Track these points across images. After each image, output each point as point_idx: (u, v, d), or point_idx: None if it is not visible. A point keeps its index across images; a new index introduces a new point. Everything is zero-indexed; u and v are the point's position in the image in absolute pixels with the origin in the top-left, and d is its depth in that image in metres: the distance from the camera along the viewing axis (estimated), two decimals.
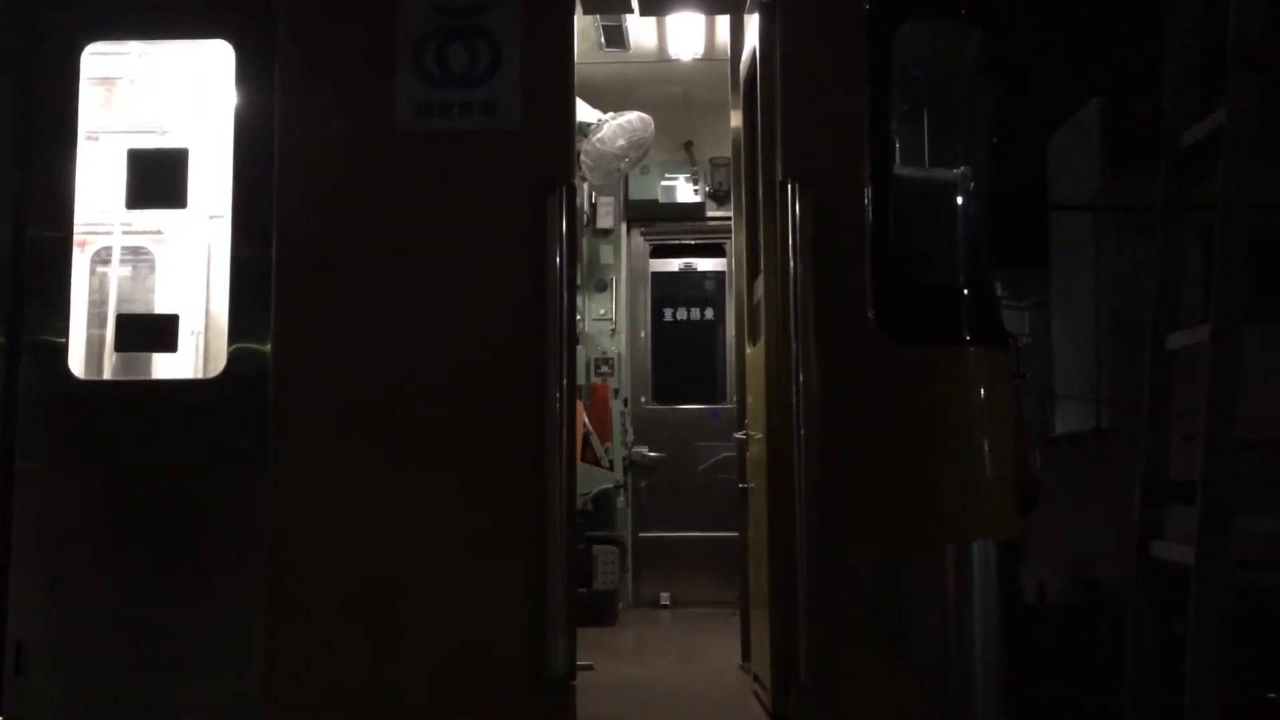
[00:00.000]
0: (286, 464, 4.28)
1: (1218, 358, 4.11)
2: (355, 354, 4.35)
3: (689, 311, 8.46)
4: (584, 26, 5.95)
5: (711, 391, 8.23)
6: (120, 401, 4.66)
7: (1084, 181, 13.11)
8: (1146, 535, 4.81)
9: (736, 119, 5.66)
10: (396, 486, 4.27)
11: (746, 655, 5.38)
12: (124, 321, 5.28)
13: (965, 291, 4.62)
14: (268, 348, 4.37)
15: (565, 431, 4.17)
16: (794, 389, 4.20)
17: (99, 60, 5.19)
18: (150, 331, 4.93)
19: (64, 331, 4.50)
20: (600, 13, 5.54)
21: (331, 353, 4.36)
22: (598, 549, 7.02)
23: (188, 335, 6.00)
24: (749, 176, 5.21)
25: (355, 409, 4.32)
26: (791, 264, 4.25)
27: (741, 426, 5.43)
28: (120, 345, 5.18)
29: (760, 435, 4.77)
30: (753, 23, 4.86)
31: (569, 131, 4.49)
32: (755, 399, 4.99)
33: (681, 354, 8.40)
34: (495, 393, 4.29)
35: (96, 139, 5.66)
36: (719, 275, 8.31)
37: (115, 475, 4.44)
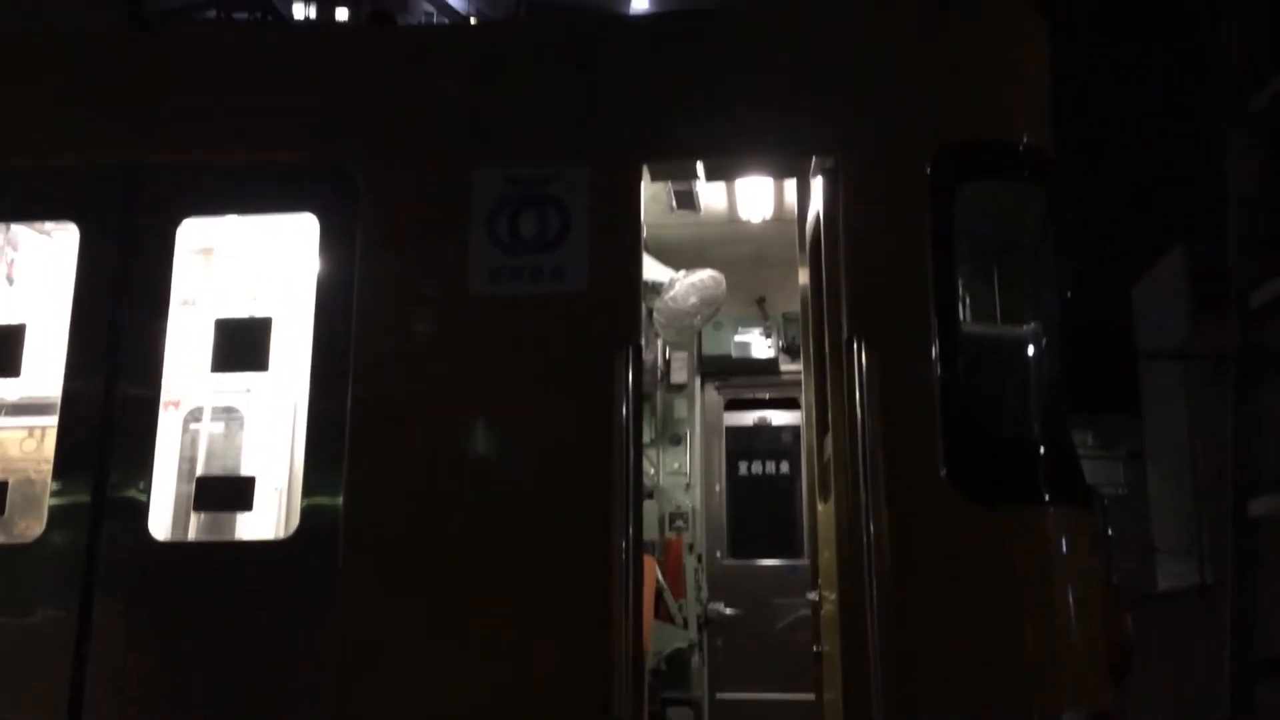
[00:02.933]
0: (354, 616, 4.31)
1: None
2: (424, 507, 4.42)
3: (764, 465, 8.39)
4: (656, 190, 6.13)
5: (790, 547, 8.06)
6: (196, 563, 4.75)
7: (1171, 328, 12.90)
8: (1236, 717, 4.54)
9: (804, 277, 5.73)
10: (462, 642, 4.27)
11: None
12: (203, 483, 5.44)
13: (1041, 449, 4.52)
14: (339, 501, 4.45)
15: (631, 586, 4.14)
16: (865, 548, 4.12)
17: (197, 231, 5.50)
18: (229, 492, 5.06)
19: (147, 491, 4.62)
20: (667, 179, 5.72)
21: (401, 506, 4.43)
22: (672, 710, 6.83)
23: (271, 491, 6.14)
24: (817, 334, 5.23)
25: (423, 562, 4.36)
26: (859, 421, 4.22)
27: (815, 586, 5.31)
28: (199, 505, 5.31)
29: (833, 596, 4.65)
30: (817, 185, 4.97)
31: (635, 293, 4.60)
32: (828, 558, 4.90)
33: (758, 508, 8.29)
34: (563, 547, 4.31)
35: (193, 304, 5.95)
36: (795, 429, 8.24)
37: (191, 636, 4.47)
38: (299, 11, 34.33)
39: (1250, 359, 4.40)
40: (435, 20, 39.01)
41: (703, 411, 8.12)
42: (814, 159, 4.79)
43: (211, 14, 9.51)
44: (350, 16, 36.56)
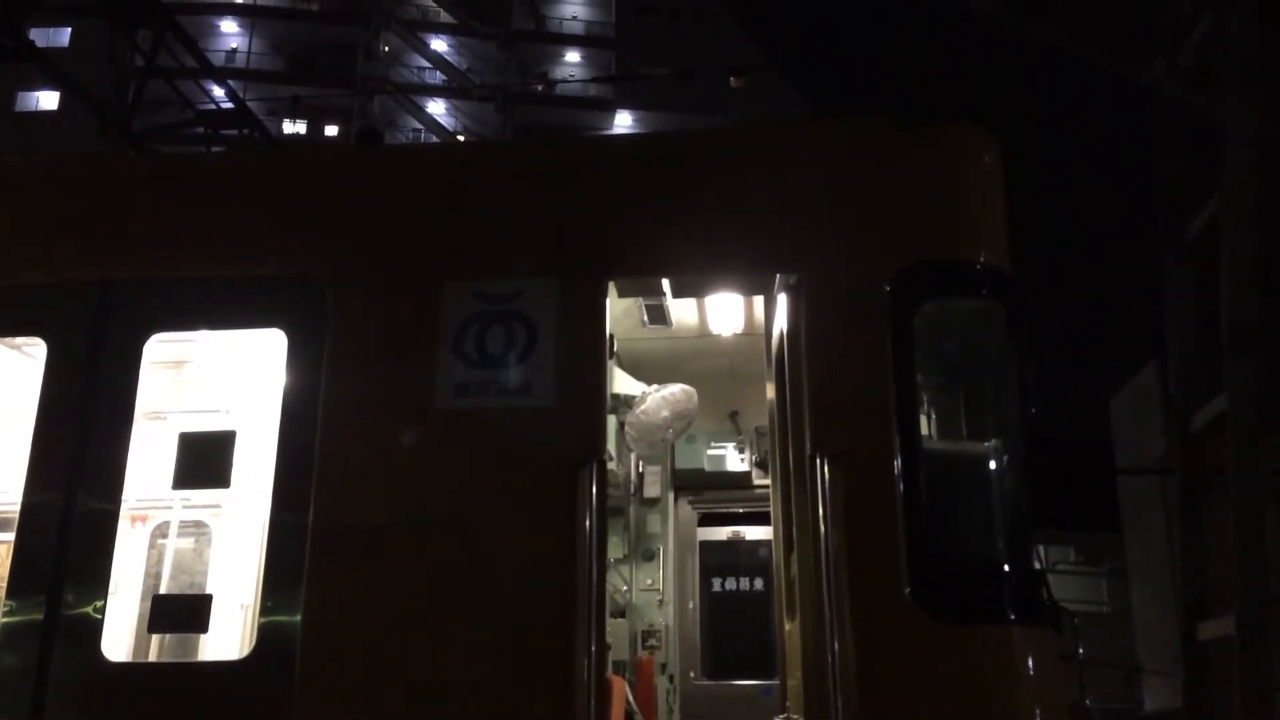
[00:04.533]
0: None
1: (1245, 650, 3.91)
2: (384, 627, 4.35)
3: (739, 581, 8.28)
4: (628, 305, 6.20)
5: (767, 666, 7.86)
6: (150, 685, 4.63)
7: (1149, 443, 12.92)
8: None
9: (771, 392, 5.76)
10: None
11: None
12: (159, 602, 5.32)
13: (1006, 566, 4.49)
14: (297, 620, 4.36)
15: (594, 707, 4.05)
16: (830, 667, 4.06)
17: (167, 346, 5.51)
18: (183, 612, 4.96)
19: (102, 609, 4.53)
20: (634, 296, 5.80)
21: (360, 626, 4.35)
22: None
23: (237, 609, 6.02)
24: (782, 450, 5.24)
25: (382, 684, 4.26)
26: (823, 538, 4.20)
27: (783, 709, 5.21)
28: (153, 626, 5.18)
29: (800, 719, 4.56)
30: (781, 302, 5.04)
31: (601, 408, 4.61)
32: (795, 679, 4.81)
33: (733, 626, 8.13)
34: (526, 668, 4.23)
35: (164, 419, 5.92)
36: (770, 544, 8.15)
37: None
38: (287, 128, 35.05)
39: (1193, 481, 4.42)
40: (423, 137, 39.92)
41: (676, 526, 8.04)
42: (778, 276, 4.87)
43: (199, 130, 9.72)
44: (339, 133, 37.41)
